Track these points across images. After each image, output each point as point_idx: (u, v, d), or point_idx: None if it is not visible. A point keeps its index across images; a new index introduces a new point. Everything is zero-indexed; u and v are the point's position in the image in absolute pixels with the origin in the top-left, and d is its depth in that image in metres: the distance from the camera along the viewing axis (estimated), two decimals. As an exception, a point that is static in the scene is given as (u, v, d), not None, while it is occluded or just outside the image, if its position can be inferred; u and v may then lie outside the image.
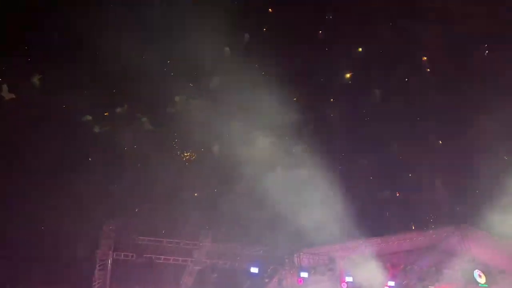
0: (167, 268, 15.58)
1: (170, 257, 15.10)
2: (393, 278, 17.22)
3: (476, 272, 17.51)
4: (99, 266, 14.21)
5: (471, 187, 17.79)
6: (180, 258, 15.36)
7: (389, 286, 17.17)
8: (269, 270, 16.52)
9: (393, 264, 17.64)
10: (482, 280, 17.29)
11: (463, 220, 19.33)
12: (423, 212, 18.40)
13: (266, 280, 16.74)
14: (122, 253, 14.47)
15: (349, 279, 16.86)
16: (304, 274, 16.33)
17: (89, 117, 14.29)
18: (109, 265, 14.31)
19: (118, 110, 14.55)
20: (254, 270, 16.00)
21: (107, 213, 13.93)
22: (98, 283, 14.34)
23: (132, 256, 14.57)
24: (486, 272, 17.62)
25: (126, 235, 14.35)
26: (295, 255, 16.67)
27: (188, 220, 14.51)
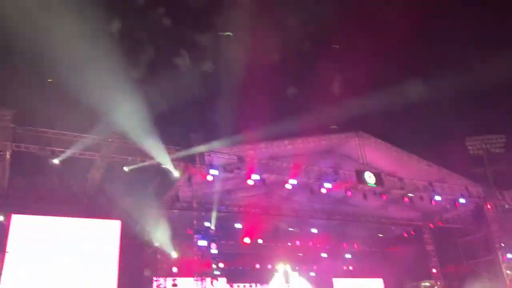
0: (73, 162, 15.06)
1: (76, 151, 14.57)
2: (294, 177, 18.57)
3: (367, 174, 19.46)
4: (-4, 157, 13.32)
5: (370, 96, 19.09)
6: (87, 153, 14.92)
7: (291, 184, 18.59)
8: (179, 166, 16.88)
9: (295, 164, 18.91)
10: (371, 180, 19.33)
11: (361, 128, 21.04)
12: (327, 118, 19.53)
13: (176, 177, 17.16)
14: (23, 145, 13.63)
15: (255, 177, 17.91)
16: (213, 172, 16.99)
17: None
18: (7, 156, 13.45)
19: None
20: (164, 166, 16.25)
21: (3, 101, 12.69)
22: (-4, 175, 13.57)
23: (34, 148, 13.80)
24: (375, 174, 19.71)
25: (27, 126, 13.39)
26: (205, 153, 17.10)
27: (97, 114, 13.84)
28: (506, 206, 22.28)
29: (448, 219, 24.05)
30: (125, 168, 15.55)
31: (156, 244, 17.07)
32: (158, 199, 16.30)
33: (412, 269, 25.11)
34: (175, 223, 17.55)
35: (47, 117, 14.20)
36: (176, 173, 16.73)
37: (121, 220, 15.39)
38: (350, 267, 26.66)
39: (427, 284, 25.45)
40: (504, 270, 22.32)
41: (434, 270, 25.53)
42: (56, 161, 14.22)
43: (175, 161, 16.70)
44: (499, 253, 22.80)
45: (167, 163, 16.24)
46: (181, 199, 18.77)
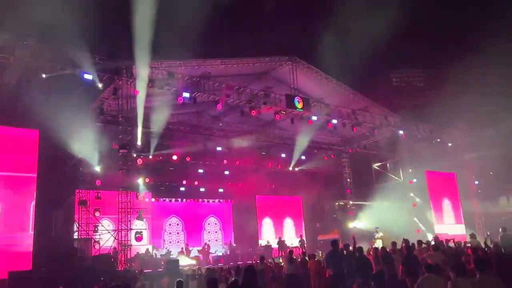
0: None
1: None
2: (226, 97, 18.49)
3: (296, 99, 19.89)
4: None
5: (305, 23, 19.02)
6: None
7: (221, 105, 18.54)
8: (104, 78, 16.02)
9: (228, 85, 18.76)
10: (299, 105, 19.83)
11: (296, 53, 21.12)
12: (263, 41, 19.30)
13: (101, 88, 16.33)
14: None
15: (186, 95, 17.57)
16: (141, 86, 16.38)
17: None
18: None
19: None
20: (88, 76, 15.33)
21: None
22: None
23: None
24: (304, 99, 20.19)
25: None
26: (133, 65, 16.30)
27: (9, 10, 12.34)
28: (419, 136, 24.23)
29: (365, 145, 25.75)
30: (43, 75, 14.45)
31: (79, 156, 16.56)
32: (81, 110, 15.51)
33: (329, 190, 27.11)
34: (99, 136, 16.99)
35: None
36: (100, 85, 15.93)
37: (39, 130, 14.55)
38: (273, 186, 28.10)
39: (341, 203, 27.77)
40: (409, 192, 24.87)
41: (348, 191, 27.81)
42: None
43: (100, 72, 15.80)
44: (407, 177, 25.20)
45: (91, 73, 15.32)
46: (106, 112, 18.09)
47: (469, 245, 14.62)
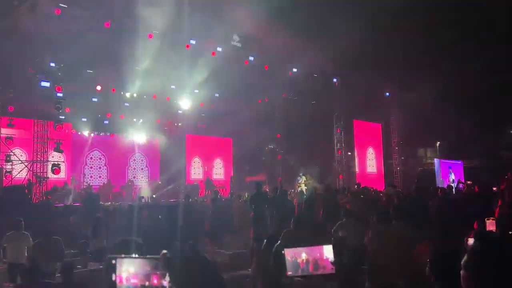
0: None
1: None
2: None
3: (235, 36, 19.16)
4: None
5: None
6: None
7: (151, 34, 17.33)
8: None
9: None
10: (238, 44, 19.16)
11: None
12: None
13: (15, 3, 14.45)
14: None
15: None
16: (63, 4, 14.71)
17: None
18: None
19: None
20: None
21: None
22: None
23: None
24: (242, 37, 19.49)
25: None
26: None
27: None
28: (352, 85, 24.64)
29: (297, 91, 25.75)
30: None
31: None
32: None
33: (260, 133, 27.26)
34: (12, 57, 15.26)
35: None
36: (15, -2, 14.07)
37: None
38: (204, 125, 27.67)
39: (270, 146, 28.20)
40: (335, 140, 25.65)
41: (278, 135, 28.18)
42: None
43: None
44: (336, 125, 25.89)
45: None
46: (23, 32, 16.16)
47: (386, 193, 15.48)
